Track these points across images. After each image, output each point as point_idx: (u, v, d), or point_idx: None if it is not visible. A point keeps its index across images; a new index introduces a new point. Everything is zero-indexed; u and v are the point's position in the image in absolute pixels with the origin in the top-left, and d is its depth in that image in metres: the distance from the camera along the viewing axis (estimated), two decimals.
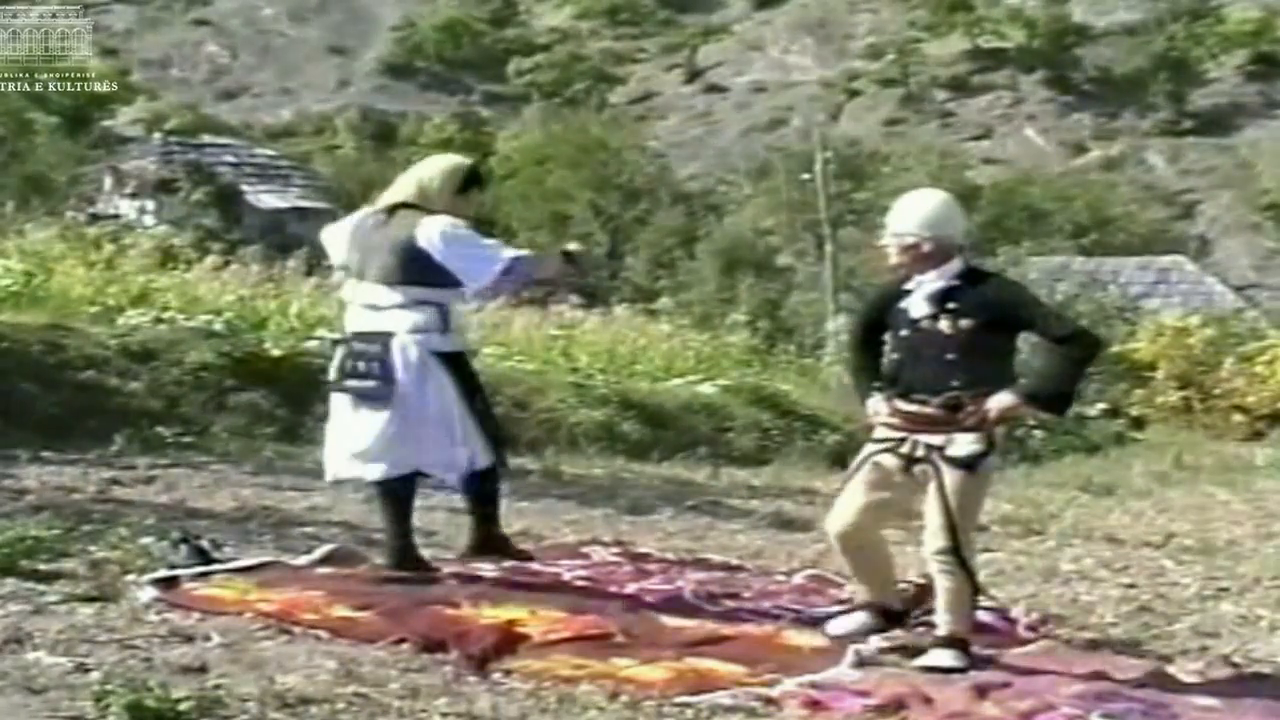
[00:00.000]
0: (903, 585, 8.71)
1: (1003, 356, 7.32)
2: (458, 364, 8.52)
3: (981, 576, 9.62)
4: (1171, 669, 7.52)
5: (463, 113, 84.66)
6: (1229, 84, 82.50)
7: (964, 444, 7.16)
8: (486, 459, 8.58)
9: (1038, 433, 23.31)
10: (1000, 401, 7.12)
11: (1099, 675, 7.11)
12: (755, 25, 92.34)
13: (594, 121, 68.57)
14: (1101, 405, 27.86)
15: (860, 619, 7.70)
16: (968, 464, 7.18)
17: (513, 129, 77.53)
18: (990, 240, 46.36)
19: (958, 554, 7.19)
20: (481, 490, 8.78)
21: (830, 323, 31.55)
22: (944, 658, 7.15)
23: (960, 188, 58.90)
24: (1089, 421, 26.07)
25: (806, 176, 41.07)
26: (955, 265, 7.40)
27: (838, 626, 7.71)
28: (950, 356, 7.21)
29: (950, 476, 7.16)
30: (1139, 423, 28.49)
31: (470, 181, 8.63)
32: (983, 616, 8.30)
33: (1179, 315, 33.30)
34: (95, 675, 6.03)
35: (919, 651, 7.30)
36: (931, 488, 7.19)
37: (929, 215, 7.45)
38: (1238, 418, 29.15)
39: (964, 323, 7.21)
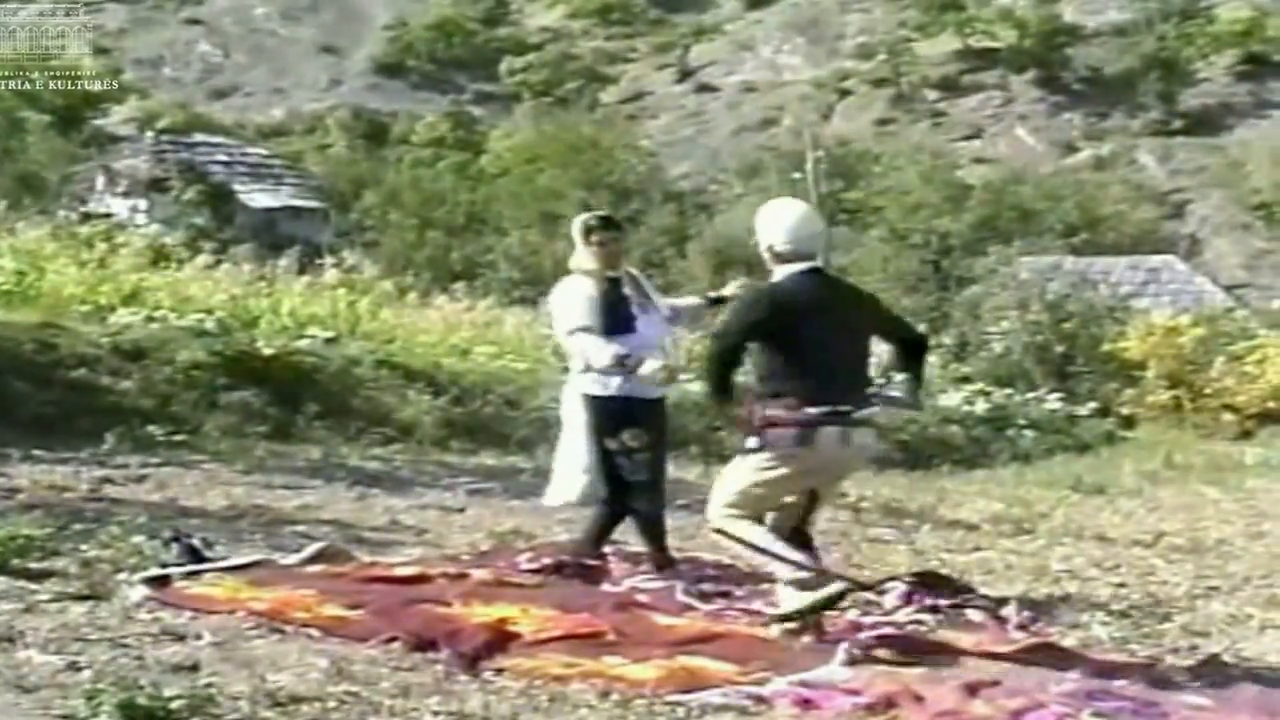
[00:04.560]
0: (895, 581, 8.76)
1: (763, 363, 7.71)
2: (584, 404, 9.14)
3: (972, 575, 9.73)
4: (1162, 668, 7.53)
5: (454, 112, 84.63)
6: (1219, 84, 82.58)
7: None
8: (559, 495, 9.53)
9: (1028, 432, 23.36)
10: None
11: (1089, 674, 7.11)
12: (747, 25, 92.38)
13: (585, 121, 68.66)
14: (1092, 404, 27.91)
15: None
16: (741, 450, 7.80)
17: (504, 128, 77.53)
18: (981, 240, 46.47)
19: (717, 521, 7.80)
20: (634, 517, 9.26)
21: None
22: (784, 596, 7.57)
23: (951, 187, 59.11)
24: (1079, 420, 26.11)
25: (798, 176, 41.12)
26: (775, 272, 7.86)
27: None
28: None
29: None
30: (1129, 422, 28.52)
31: (588, 230, 9.13)
32: (973, 615, 8.34)
33: (1169, 314, 33.32)
34: (87, 674, 6.03)
35: (913, 649, 7.33)
36: None
37: (757, 224, 7.95)
38: (1228, 417, 29.19)
39: None
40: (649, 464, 8.94)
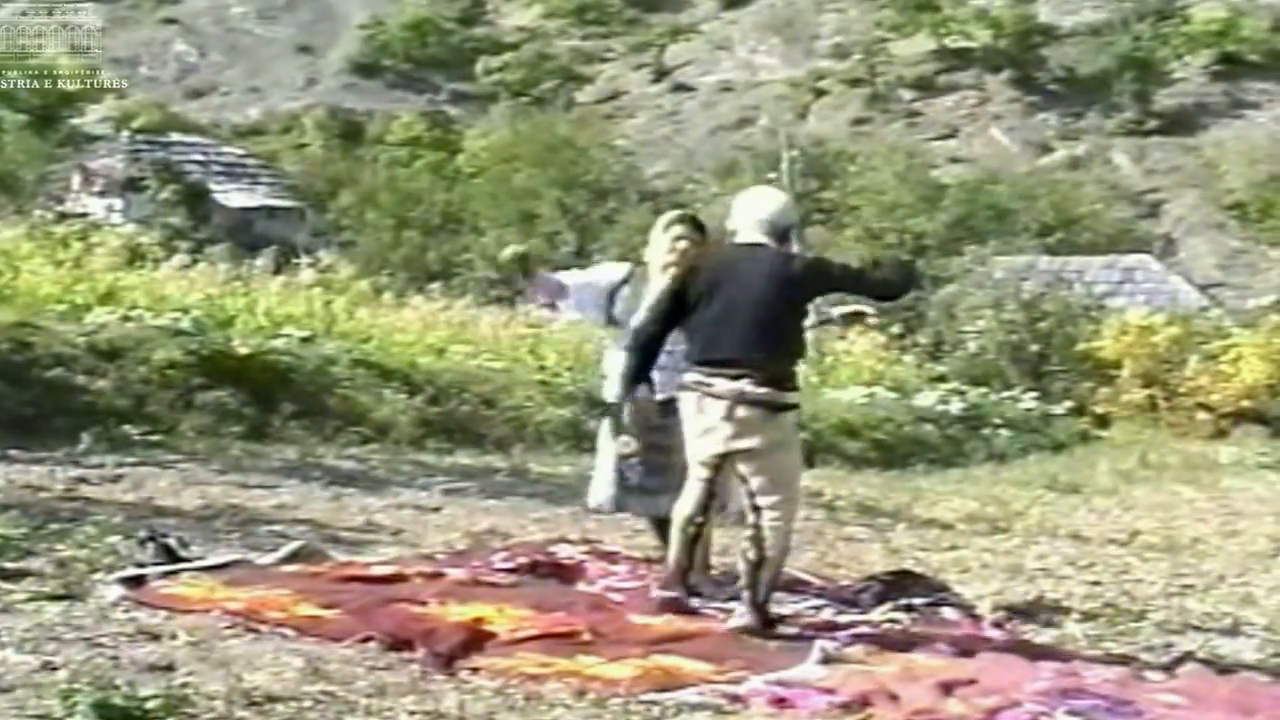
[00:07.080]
0: (870, 579, 8.80)
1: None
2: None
3: (947, 574, 9.76)
4: (1136, 666, 7.55)
5: (430, 111, 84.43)
6: (1194, 84, 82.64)
7: None
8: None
9: (1003, 432, 23.41)
10: None
11: (1064, 672, 7.12)
12: (723, 25, 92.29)
13: (561, 120, 68.45)
14: (1067, 403, 27.98)
15: None
16: None
17: (480, 128, 77.32)
18: (956, 239, 46.53)
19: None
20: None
21: None
22: None
23: (926, 187, 59.12)
24: (1054, 420, 26.18)
25: (773, 175, 41.11)
26: None
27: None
28: None
29: None
30: (1104, 421, 28.63)
31: (668, 225, 8.90)
32: (948, 614, 8.36)
33: (1144, 314, 33.42)
34: (62, 674, 6.02)
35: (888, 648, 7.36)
36: None
37: None
38: (1202, 416, 29.32)
39: None
40: (642, 470, 8.68)
